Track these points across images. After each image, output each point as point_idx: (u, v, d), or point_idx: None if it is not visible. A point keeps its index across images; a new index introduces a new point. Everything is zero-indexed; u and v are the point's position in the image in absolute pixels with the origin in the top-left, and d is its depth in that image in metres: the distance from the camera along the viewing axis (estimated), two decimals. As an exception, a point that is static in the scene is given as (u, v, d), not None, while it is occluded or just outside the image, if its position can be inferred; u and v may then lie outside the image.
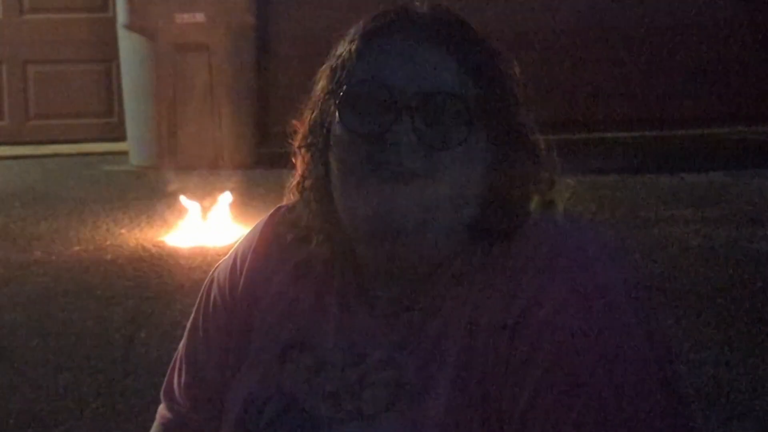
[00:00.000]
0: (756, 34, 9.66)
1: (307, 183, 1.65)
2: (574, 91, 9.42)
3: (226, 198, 6.83)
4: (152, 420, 1.86)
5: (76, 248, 6.42)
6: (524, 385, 1.50)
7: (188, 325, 1.80)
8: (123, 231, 6.76)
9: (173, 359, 1.82)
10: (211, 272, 1.80)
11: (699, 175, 8.05)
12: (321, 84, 1.63)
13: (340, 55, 1.61)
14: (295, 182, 1.67)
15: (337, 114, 1.59)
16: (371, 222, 1.55)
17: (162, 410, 1.83)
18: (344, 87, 1.58)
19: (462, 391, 1.53)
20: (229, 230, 6.53)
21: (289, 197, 1.71)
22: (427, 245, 1.58)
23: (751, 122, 9.57)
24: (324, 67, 1.64)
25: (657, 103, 9.58)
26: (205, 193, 6.91)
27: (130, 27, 8.69)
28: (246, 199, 7.00)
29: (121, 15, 8.74)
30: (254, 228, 1.78)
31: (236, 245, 1.79)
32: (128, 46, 8.79)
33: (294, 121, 1.66)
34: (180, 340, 1.82)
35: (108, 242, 6.53)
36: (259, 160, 8.58)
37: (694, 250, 6.16)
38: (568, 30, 9.42)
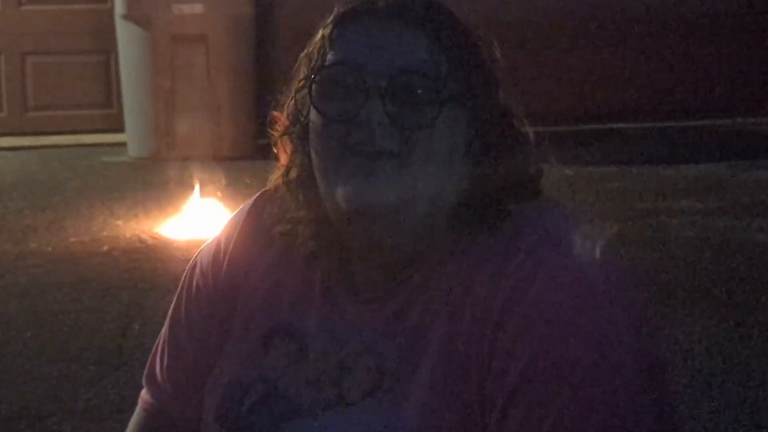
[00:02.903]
0: (755, 25, 9.65)
1: (293, 173, 1.63)
2: (573, 83, 9.41)
3: (223, 189, 6.81)
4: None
5: (72, 239, 6.41)
6: (507, 376, 1.48)
7: (170, 309, 1.79)
8: (119, 222, 6.76)
9: (155, 344, 1.81)
10: (194, 257, 1.79)
11: (697, 167, 8.04)
12: (300, 72, 1.62)
13: (316, 42, 1.60)
14: (279, 173, 1.66)
15: (310, 100, 1.58)
16: (349, 204, 1.54)
17: (144, 395, 1.82)
18: (317, 72, 1.57)
19: (443, 379, 1.52)
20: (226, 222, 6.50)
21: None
22: (405, 228, 1.56)
23: (749, 113, 9.56)
24: (302, 55, 1.63)
25: (655, 95, 9.57)
26: (203, 184, 6.90)
27: (128, 18, 8.68)
28: (244, 191, 6.98)
29: (119, 6, 8.73)
30: (238, 213, 1.77)
31: (220, 230, 1.78)
32: (126, 36, 8.78)
33: (274, 112, 1.65)
34: (174, 331, 1.82)
35: (104, 233, 6.52)
36: (257, 152, 8.55)
37: (691, 241, 6.15)
38: (568, 21, 9.41)
